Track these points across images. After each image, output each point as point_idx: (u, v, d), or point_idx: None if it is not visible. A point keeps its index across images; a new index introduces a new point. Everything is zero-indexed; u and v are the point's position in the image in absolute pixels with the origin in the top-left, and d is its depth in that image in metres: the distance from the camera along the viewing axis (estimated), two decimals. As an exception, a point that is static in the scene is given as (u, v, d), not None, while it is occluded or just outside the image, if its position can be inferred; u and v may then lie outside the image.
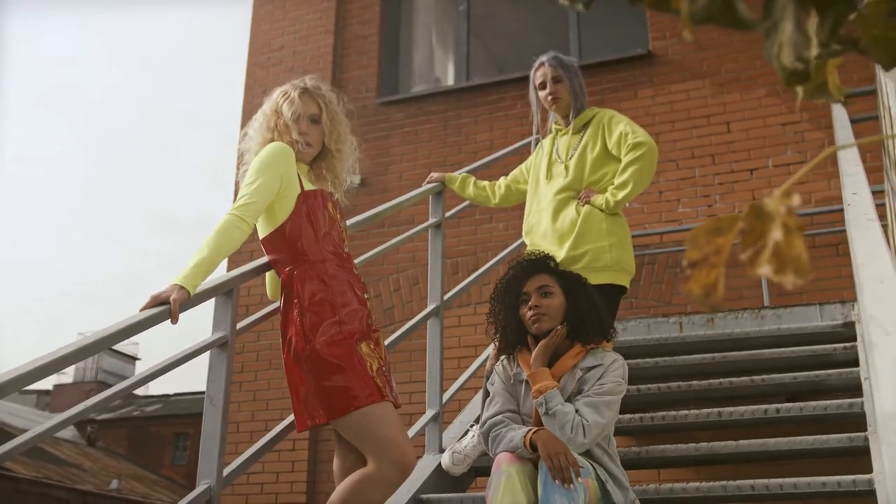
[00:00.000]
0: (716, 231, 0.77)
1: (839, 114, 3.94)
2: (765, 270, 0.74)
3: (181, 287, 2.50)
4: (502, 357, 3.06)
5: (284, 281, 2.76)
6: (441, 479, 3.56)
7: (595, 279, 3.28)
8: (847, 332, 4.41)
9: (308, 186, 2.85)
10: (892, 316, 1.23)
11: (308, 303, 2.68)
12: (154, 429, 32.49)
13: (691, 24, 0.58)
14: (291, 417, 2.83)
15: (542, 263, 3.06)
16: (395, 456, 2.58)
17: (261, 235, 2.85)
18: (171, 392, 34.50)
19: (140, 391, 29.31)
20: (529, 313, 2.95)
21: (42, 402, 35.46)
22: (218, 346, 2.70)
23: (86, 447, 29.37)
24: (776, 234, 0.73)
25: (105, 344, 2.35)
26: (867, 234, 1.77)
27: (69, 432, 27.33)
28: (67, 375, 31.12)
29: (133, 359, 37.62)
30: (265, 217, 2.81)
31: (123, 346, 29.14)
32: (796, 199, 0.75)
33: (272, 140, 2.86)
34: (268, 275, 2.92)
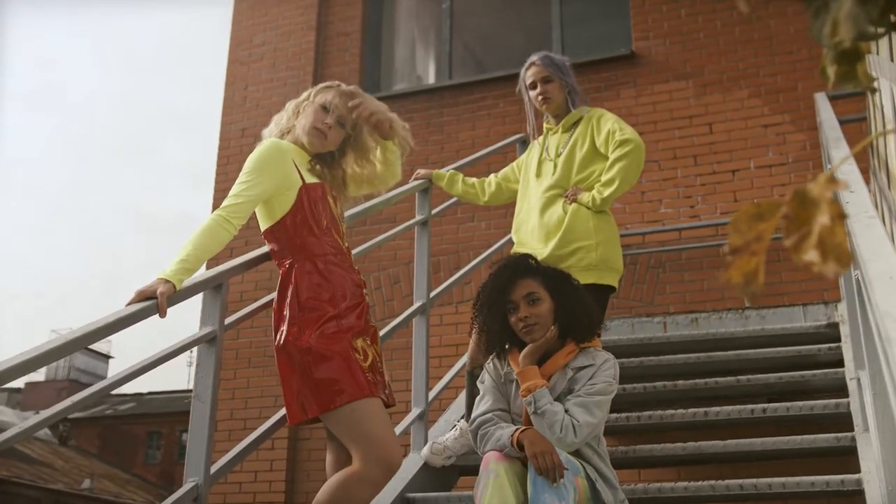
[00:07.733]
0: (758, 217, 0.75)
1: (826, 115, 3.95)
2: (811, 256, 0.71)
3: (167, 281, 2.46)
4: (493, 355, 3.02)
5: (284, 274, 2.73)
6: (427, 478, 3.53)
7: (581, 279, 3.26)
8: (831, 333, 4.43)
9: (309, 179, 2.81)
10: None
11: (306, 296, 2.65)
12: (127, 427, 32.21)
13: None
14: (281, 412, 2.79)
15: (525, 267, 2.97)
16: (381, 454, 2.53)
17: (262, 227, 2.82)
18: (144, 391, 34.21)
19: (113, 390, 29.05)
20: (520, 325, 2.88)
21: (13, 400, 35.03)
22: (206, 341, 2.65)
23: (58, 446, 29.06)
24: (823, 219, 0.71)
25: (91, 339, 2.30)
26: (869, 231, 1.76)
27: (41, 431, 27.05)
28: (39, 373, 30.84)
29: (106, 357, 37.28)
30: (265, 211, 2.78)
31: (96, 344, 28.89)
32: (842, 184, 0.73)
33: (280, 135, 2.86)
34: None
